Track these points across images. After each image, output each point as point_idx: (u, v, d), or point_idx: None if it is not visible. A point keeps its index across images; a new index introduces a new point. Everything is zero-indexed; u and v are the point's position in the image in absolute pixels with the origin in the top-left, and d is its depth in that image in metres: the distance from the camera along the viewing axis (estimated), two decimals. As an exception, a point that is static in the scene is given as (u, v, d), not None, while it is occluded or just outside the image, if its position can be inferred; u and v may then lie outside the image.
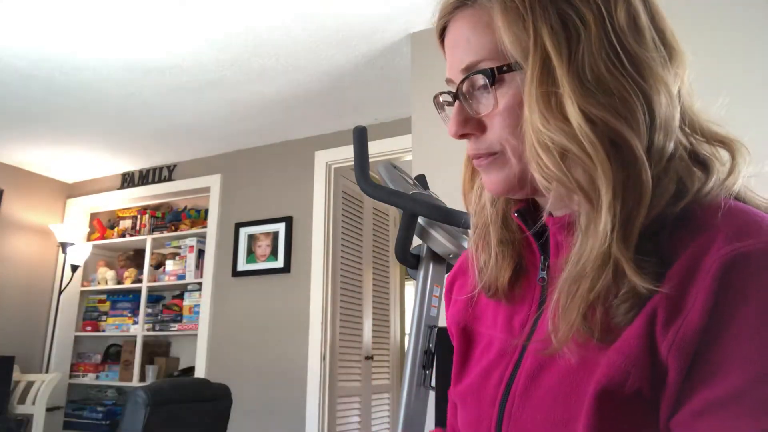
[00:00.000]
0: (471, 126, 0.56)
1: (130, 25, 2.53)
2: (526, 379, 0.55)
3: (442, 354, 1.31)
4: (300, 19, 2.48)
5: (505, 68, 0.52)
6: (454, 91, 0.57)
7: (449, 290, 0.76)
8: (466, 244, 1.44)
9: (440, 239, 1.43)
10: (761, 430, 0.41)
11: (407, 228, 1.39)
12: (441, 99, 0.62)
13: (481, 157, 0.57)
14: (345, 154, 3.61)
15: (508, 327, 0.61)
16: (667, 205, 0.49)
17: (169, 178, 4.34)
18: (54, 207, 4.65)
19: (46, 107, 3.35)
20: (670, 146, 0.50)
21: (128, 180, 4.52)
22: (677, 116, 0.51)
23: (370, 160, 1.44)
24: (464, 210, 0.67)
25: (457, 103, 0.57)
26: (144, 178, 4.45)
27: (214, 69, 2.90)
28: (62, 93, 3.16)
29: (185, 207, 4.65)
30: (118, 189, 4.53)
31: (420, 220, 1.42)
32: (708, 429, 0.43)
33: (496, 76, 0.53)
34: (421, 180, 1.78)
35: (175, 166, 4.34)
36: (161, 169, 4.39)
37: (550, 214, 0.58)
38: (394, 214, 4.23)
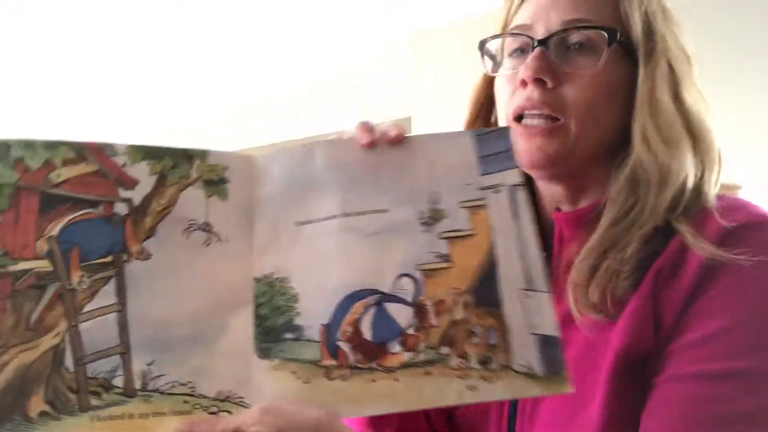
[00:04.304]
0: (551, 76, 0.56)
1: (130, 25, 2.53)
2: None
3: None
4: (299, 19, 2.48)
5: (622, 39, 0.55)
6: (532, 37, 0.57)
7: None
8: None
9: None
10: (720, 370, 0.46)
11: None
12: (491, 43, 0.62)
13: (539, 117, 0.57)
14: (345, 154, 3.60)
15: None
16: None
17: (169, 178, 4.33)
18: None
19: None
20: None
21: (128, 180, 4.50)
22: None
23: (370, 160, 1.43)
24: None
25: (538, 49, 0.56)
26: (144, 177, 4.44)
27: (214, 68, 2.90)
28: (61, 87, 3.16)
29: (185, 207, 4.64)
30: (118, 189, 4.51)
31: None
32: (676, 366, 0.48)
33: (615, 40, 0.55)
34: (421, 180, 1.78)
35: (175, 165, 4.34)
36: (161, 168, 4.38)
37: (558, 209, 0.60)
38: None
